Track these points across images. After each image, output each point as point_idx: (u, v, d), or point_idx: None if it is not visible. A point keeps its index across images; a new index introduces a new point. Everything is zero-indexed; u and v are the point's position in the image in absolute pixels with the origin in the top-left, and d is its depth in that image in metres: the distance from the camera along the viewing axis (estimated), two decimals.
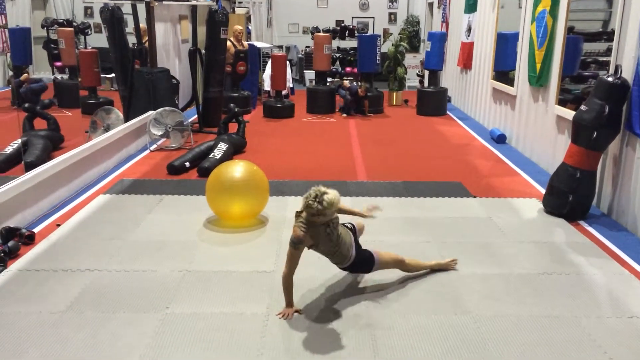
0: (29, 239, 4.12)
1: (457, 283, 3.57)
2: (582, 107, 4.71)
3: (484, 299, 3.37)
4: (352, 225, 3.52)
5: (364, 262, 3.39)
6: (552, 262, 3.90)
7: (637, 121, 4.38)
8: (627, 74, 4.56)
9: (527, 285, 3.56)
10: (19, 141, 5.77)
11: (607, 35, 5.21)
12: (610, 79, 4.55)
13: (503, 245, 4.19)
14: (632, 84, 4.48)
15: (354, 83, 10.51)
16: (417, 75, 13.65)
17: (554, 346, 2.89)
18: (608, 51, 4.99)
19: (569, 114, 5.43)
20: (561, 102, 5.93)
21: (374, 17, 16.63)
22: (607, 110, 4.50)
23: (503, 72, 8.19)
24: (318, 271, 3.64)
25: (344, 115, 10.01)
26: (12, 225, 4.17)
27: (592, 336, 2.99)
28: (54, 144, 6.37)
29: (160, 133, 7.23)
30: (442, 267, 3.76)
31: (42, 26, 8.42)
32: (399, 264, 3.55)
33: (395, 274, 3.64)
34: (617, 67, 4.64)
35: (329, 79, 12.23)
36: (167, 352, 2.81)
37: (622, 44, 4.74)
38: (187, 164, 6.22)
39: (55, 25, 8.49)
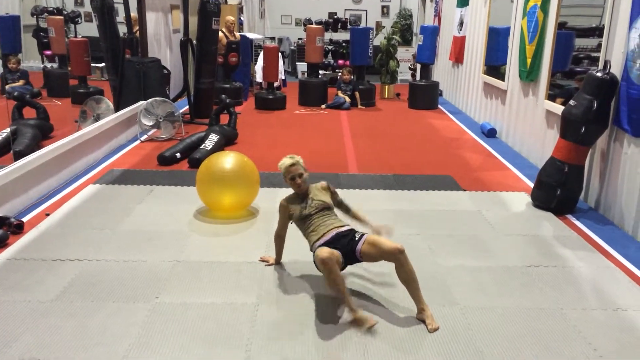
0: (18, 228, 4.11)
1: (446, 275, 3.61)
2: (571, 102, 4.75)
3: (472, 291, 3.41)
4: (361, 235, 3.25)
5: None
6: (539, 255, 3.94)
7: (625, 117, 4.43)
8: (616, 69, 4.60)
9: (515, 277, 3.60)
10: (8, 130, 5.73)
11: (599, 31, 5.23)
12: (599, 74, 4.59)
13: (491, 238, 4.23)
14: (621, 79, 4.52)
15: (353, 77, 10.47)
16: (409, 68, 13.67)
17: (540, 337, 2.93)
18: (599, 47, 5.02)
19: (558, 108, 5.47)
20: (552, 97, 5.97)
21: (366, 10, 16.62)
22: (595, 105, 4.54)
23: (494, 66, 8.22)
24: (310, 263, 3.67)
25: (326, 106, 10.05)
26: (0, 214, 4.15)
27: (578, 328, 3.03)
28: (44, 133, 6.32)
29: (151, 123, 7.20)
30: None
31: (32, 14, 8.32)
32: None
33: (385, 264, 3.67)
34: (606, 63, 4.68)
35: (321, 72, 12.21)
36: (156, 341, 2.82)
37: (611, 40, 4.78)
38: (178, 154, 6.20)
39: (45, 14, 8.39)
